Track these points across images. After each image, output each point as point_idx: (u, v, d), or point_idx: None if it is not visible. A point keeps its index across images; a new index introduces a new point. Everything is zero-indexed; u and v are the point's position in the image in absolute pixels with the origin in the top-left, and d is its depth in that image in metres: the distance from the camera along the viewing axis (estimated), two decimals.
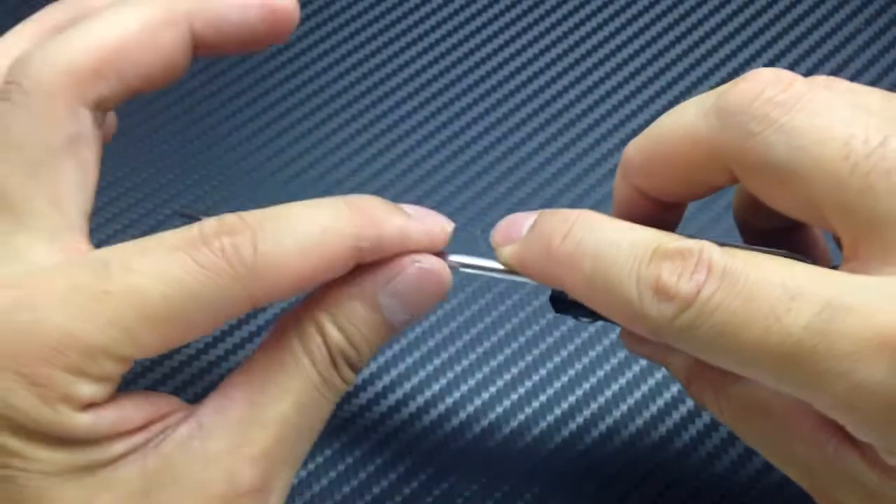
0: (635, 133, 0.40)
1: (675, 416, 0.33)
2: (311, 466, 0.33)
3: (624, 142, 0.40)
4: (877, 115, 0.21)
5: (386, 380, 0.34)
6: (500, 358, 0.35)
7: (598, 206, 0.38)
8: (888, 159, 0.20)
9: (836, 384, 0.19)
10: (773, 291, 0.20)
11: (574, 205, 0.38)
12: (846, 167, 0.20)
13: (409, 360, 0.35)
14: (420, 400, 0.34)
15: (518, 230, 0.24)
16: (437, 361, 0.35)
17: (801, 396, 0.20)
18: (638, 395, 0.34)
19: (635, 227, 0.22)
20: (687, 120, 0.23)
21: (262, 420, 0.23)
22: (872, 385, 0.18)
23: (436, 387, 0.34)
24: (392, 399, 0.34)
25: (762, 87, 0.22)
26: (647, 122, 0.40)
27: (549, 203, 0.38)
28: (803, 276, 0.20)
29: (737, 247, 0.21)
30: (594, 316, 0.25)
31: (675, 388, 0.34)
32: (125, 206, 0.38)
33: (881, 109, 0.21)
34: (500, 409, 0.34)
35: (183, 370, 0.35)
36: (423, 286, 0.24)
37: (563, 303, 0.26)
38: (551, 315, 0.35)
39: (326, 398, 0.24)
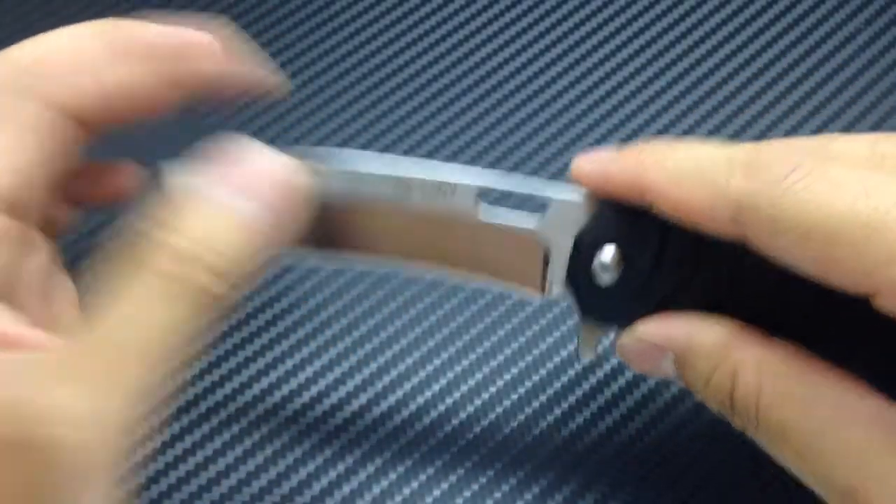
0: (635, 133, 0.40)
1: (676, 414, 0.33)
2: (311, 467, 0.33)
3: (624, 142, 0.40)
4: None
5: (386, 380, 0.34)
6: (500, 358, 0.35)
7: None
8: None
9: None
10: (856, 183, 0.21)
11: None
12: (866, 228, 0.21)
13: (409, 361, 0.35)
14: (420, 400, 0.34)
15: (602, 155, 0.26)
16: (436, 362, 0.35)
17: (874, 275, 0.21)
18: (638, 394, 0.34)
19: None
20: (712, 167, 0.24)
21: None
22: None
23: (435, 387, 0.34)
24: (392, 399, 0.34)
25: (794, 150, 0.24)
26: (647, 122, 0.40)
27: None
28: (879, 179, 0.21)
29: None
30: (618, 317, 0.25)
31: (674, 388, 0.34)
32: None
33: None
34: (500, 409, 0.34)
35: None
36: (273, 177, 0.24)
37: (591, 305, 0.26)
38: (551, 315, 0.35)
39: (195, 317, 0.22)
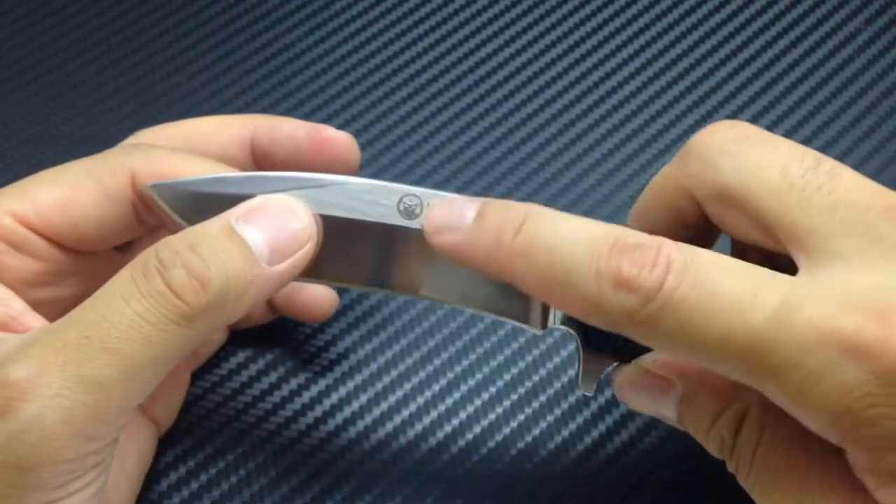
0: (635, 133, 0.40)
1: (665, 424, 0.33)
2: (301, 475, 0.33)
3: (624, 142, 0.40)
4: (810, 149, 0.23)
5: (384, 406, 0.34)
6: (486, 370, 0.34)
7: (597, 206, 0.38)
8: (820, 178, 0.22)
9: (791, 374, 0.20)
10: (736, 286, 0.21)
11: (573, 205, 0.38)
12: (784, 185, 0.22)
13: (395, 373, 0.35)
14: (419, 427, 0.34)
15: (459, 218, 0.24)
16: (422, 374, 0.34)
17: (758, 387, 0.21)
18: (623, 407, 0.34)
19: (590, 222, 0.23)
20: (665, 168, 0.26)
21: (75, 320, 0.23)
22: (819, 372, 0.20)
23: (420, 400, 0.34)
24: (390, 426, 0.34)
25: (719, 129, 0.24)
26: (647, 122, 0.40)
27: (549, 204, 0.38)
28: (763, 274, 0.21)
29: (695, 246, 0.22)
30: (620, 350, 0.26)
31: None
32: None
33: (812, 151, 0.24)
34: (485, 423, 0.34)
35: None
36: (275, 214, 0.25)
37: (595, 345, 0.26)
38: (551, 339, 0.35)
39: (147, 321, 0.23)
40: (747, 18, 0.43)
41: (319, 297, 0.32)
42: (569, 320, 0.27)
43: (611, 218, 0.38)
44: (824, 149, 0.39)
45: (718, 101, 0.41)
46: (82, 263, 0.28)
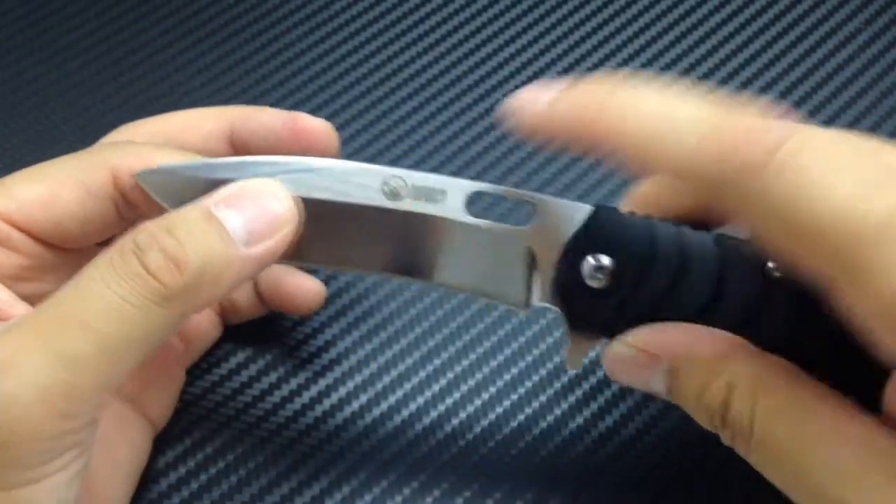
0: None
1: (673, 417, 0.33)
2: (309, 469, 0.33)
3: None
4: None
5: (378, 386, 0.34)
6: (493, 364, 0.34)
7: None
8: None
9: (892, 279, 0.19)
10: (866, 166, 0.19)
11: None
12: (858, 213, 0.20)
13: (402, 367, 0.35)
14: (412, 406, 0.34)
15: (544, 97, 0.23)
16: (422, 373, 0.34)
17: (850, 287, 0.20)
18: (630, 400, 0.34)
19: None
20: (687, 131, 0.22)
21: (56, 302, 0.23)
22: None
23: (427, 393, 0.34)
24: (384, 405, 0.34)
25: (766, 127, 0.21)
26: None
27: None
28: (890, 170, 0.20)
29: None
30: (610, 330, 0.25)
31: None
32: None
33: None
34: (492, 416, 0.34)
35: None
36: (254, 197, 0.25)
37: (581, 319, 0.26)
38: (544, 321, 0.35)
39: (126, 300, 0.23)
40: (747, 18, 0.43)
41: (305, 288, 0.31)
42: (552, 298, 0.26)
43: None
44: None
45: None
46: (65, 259, 0.28)
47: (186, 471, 0.33)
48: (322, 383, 0.34)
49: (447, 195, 0.26)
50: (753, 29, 0.42)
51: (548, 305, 0.26)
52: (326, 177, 0.26)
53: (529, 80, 0.41)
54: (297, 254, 0.27)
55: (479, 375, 0.34)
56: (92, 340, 0.23)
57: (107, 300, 0.23)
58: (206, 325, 0.32)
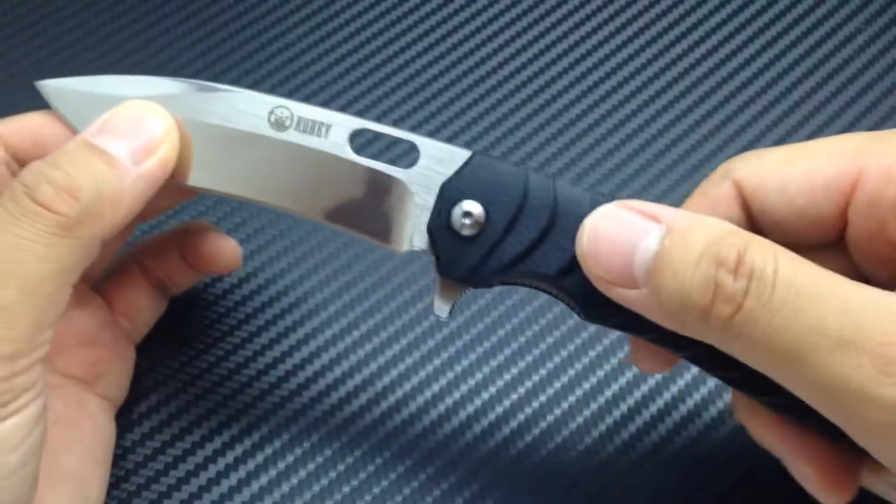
0: (635, 133, 0.40)
1: (675, 415, 0.33)
2: (311, 467, 0.33)
3: (623, 142, 0.40)
4: None
5: (386, 380, 0.34)
6: (500, 358, 0.35)
7: None
8: None
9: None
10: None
11: None
12: None
13: (409, 361, 0.35)
14: (420, 400, 0.34)
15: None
16: (436, 361, 0.35)
17: (858, 431, 0.21)
18: (637, 395, 0.34)
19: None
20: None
21: None
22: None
23: (435, 387, 0.34)
24: (392, 399, 0.34)
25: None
26: (647, 122, 0.40)
27: None
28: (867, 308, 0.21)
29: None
30: (475, 278, 0.26)
31: (674, 388, 0.34)
32: None
33: None
34: (499, 409, 0.34)
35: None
36: (130, 119, 0.26)
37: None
38: (551, 315, 0.35)
39: (28, 238, 0.24)
40: (747, 18, 0.43)
41: (220, 246, 0.32)
42: (426, 241, 0.26)
43: None
44: None
45: (718, 101, 0.41)
46: None
47: (187, 471, 0.33)
48: (322, 383, 0.34)
49: (331, 130, 0.27)
50: (753, 29, 0.42)
51: (422, 249, 0.27)
52: (216, 102, 0.27)
53: (529, 79, 0.41)
54: (189, 176, 0.27)
55: (479, 375, 0.34)
56: (11, 285, 0.23)
57: (13, 244, 0.24)
58: (143, 300, 0.33)
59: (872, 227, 0.24)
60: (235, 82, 0.41)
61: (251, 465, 0.33)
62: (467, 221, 0.25)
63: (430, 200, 0.26)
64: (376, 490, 0.32)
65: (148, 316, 0.33)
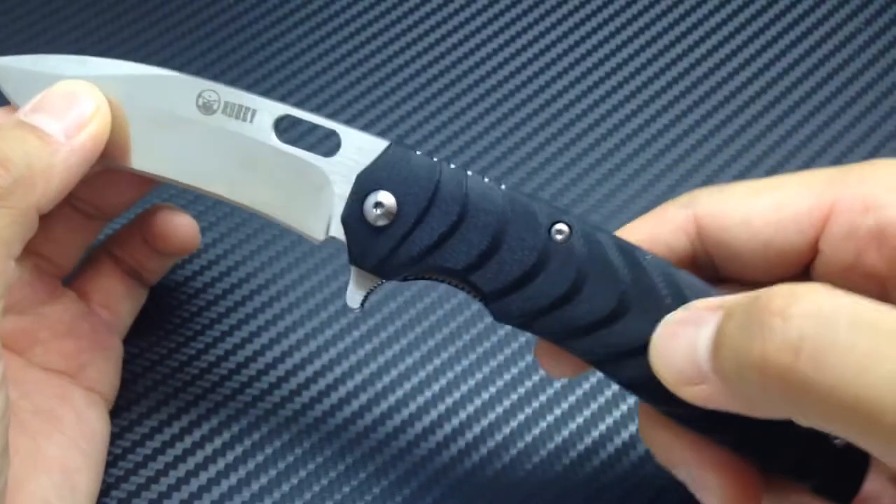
0: (635, 133, 0.40)
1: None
2: (311, 466, 0.33)
3: (623, 142, 0.40)
4: None
5: (378, 386, 0.34)
6: (493, 364, 0.35)
7: (597, 206, 0.38)
8: None
9: None
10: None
11: (573, 205, 0.38)
12: None
13: (402, 367, 0.35)
14: (412, 407, 0.34)
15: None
16: (429, 367, 0.35)
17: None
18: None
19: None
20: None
21: None
22: None
23: (427, 393, 0.34)
24: (384, 405, 0.34)
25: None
26: (647, 122, 0.40)
27: None
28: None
29: None
30: (386, 270, 0.26)
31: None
32: None
33: None
34: (492, 416, 0.34)
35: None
36: (61, 97, 0.27)
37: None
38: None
39: None
40: (747, 18, 0.43)
41: (177, 222, 0.32)
42: (343, 228, 0.26)
43: (609, 218, 0.38)
44: (824, 149, 0.39)
45: (718, 101, 0.41)
46: None
47: (186, 471, 0.33)
48: (322, 383, 0.34)
49: (256, 115, 0.27)
50: (753, 29, 0.42)
51: (336, 237, 0.27)
52: (149, 84, 0.28)
53: (529, 80, 0.41)
54: (129, 159, 0.28)
55: (478, 375, 0.34)
56: None
57: None
58: (118, 288, 0.33)
59: (847, 258, 0.24)
60: (235, 82, 0.41)
61: (251, 464, 0.33)
62: (379, 212, 0.25)
63: (347, 190, 0.26)
64: (376, 490, 0.32)
65: (127, 306, 0.34)
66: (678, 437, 0.25)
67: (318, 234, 0.27)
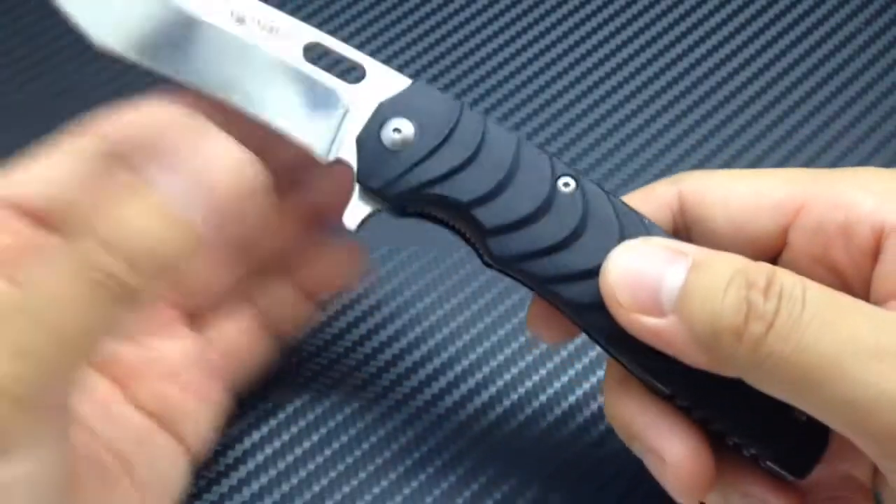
0: (635, 133, 0.40)
1: None
2: (310, 466, 0.33)
3: (624, 142, 0.40)
4: None
5: (379, 386, 0.34)
6: (494, 364, 0.35)
7: None
8: None
9: None
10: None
11: None
12: None
13: (402, 366, 0.35)
14: (422, 397, 0.34)
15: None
16: (444, 355, 0.35)
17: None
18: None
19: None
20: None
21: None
22: None
23: (443, 380, 0.34)
24: (384, 405, 0.34)
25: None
26: (647, 122, 0.40)
27: None
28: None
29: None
30: (391, 195, 0.26)
31: None
32: None
33: None
34: (499, 409, 0.34)
35: None
36: (200, 171, 0.24)
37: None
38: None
39: (94, 295, 0.22)
40: (747, 18, 0.43)
41: (342, 254, 0.31)
42: (353, 151, 0.27)
43: None
44: (824, 149, 0.39)
45: (718, 101, 0.41)
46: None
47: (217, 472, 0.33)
48: (322, 383, 0.34)
49: (287, 36, 0.28)
50: (753, 29, 0.42)
51: (344, 158, 0.27)
52: None
53: (529, 80, 0.41)
54: (146, 53, 0.28)
55: (481, 373, 0.34)
56: (44, 334, 0.22)
57: (60, 293, 0.22)
58: (247, 339, 0.31)
59: (815, 251, 0.25)
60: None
61: (251, 465, 0.33)
62: (396, 136, 0.26)
63: (366, 115, 0.27)
64: (376, 490, 0.32)
65: (250, 358, 0.31)
66: (641, 412, 0.26)
67: (325, 155, 0.27)
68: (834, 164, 0.39)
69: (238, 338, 0.31)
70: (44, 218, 0.26)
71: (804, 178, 0.26)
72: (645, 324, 0.23)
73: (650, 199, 0.27)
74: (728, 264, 0.23)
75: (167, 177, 0.24)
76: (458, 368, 0.34)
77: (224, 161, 0.24)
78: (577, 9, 0.43)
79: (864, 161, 0.39)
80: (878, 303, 0.24)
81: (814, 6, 0.43)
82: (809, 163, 0.39)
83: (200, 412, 0.30)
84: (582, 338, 0.27)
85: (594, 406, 0.34)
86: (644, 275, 0.23)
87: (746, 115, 0.40)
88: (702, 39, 0.42)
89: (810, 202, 0.26)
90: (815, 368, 0.21)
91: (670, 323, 0.23)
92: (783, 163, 0.39)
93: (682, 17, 0.43)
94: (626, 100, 0.41)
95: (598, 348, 0.27)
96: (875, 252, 0.24)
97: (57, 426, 0.24)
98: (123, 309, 0.23)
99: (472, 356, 0.35)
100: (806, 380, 0.21)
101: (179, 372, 0.29)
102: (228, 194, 0.24)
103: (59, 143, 0.27)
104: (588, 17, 0.43)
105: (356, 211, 0.27)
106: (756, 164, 0.39)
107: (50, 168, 0.26)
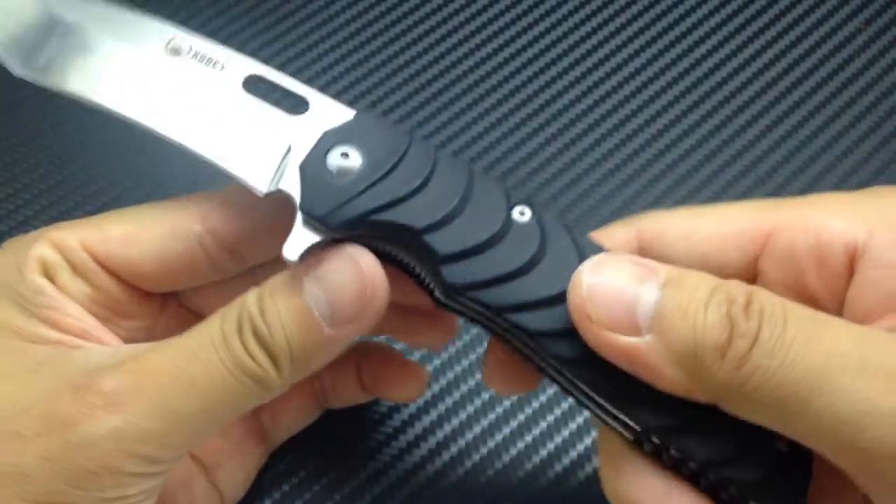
0: (635, 133, 0.40)
1: None
2: (307, 496, 0.33)
3: (624, 142, 0.40)
4: None
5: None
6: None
7: (597, 207, 0.38)
8: None
9: None
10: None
11: (573, 205, 0.38)
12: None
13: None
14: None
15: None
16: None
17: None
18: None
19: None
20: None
21: (155, 356, 0.24)
22: None
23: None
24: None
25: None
26: (647, 122, 0.40)
27: (548, 203, 0.38)
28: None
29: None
30: (333, 223, 0.25)
31: None
32: None
33: None
34: (491, 444, 0.33)
35: None
36: (345, 276, 0.24)
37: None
38: None
39: (230, 372, 0.23)
40: (747, 18, 0.43)
41: (410, 374, 0.31)
42: (296, 179, 0.26)
43: (609, 218, 0.38)
44: (825, 149, 0.39)
45: (718, 101, 0.41)
46: (144, 309, 0.28)
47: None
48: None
49: (226, 68, 0.27)
50: (753, 29, 0.42)
51: (285, 189, 0.26)
52: (122, 22, 0.27)
53: (529, 80, 0.41)
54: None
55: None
56: (196, 401, 0.23)
57: (215, 364, 0.23)
58: (295, 403, 0.31)
59: (789, 278, 0.25)
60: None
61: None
62: (343, 162, 0.25)
63: (310, 144, 0.26)
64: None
65: (294, 422, 0.32)
66: (646, 487, 0.24)
67: (263, 187, 0.26)
68: (834, 164, 0.39)
69: (289, 401, 0.31)
70: (122, 277, 0.27)
71: (768, 207, 0.26)
72: (618, 343, 0.22)
73: (607, 240, 0.26)
74: (704, 281, 0.22)
75: (312, 283, 0.24)
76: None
77: (361, 272, 0.25)
78: (576, 9, 0.43)
79: (864, 161, 0.39)
80: (856, 322, 0.23)
81: (814, 6, 0.43)
82: (809, 163, 0.39)
83: (238, 464, 0.30)
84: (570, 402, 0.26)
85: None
86: (618, 290, 0.22)
87: (746, 115, 0.40)
88: (702, 40, 0.42)
89: (778, 229, 0.25)
90: (802, 383, 0.20)
91: (646, 342, 0.22)
92: (783, 162, 0.39)
93: (682, 18, 0.43)
94: (626, 100, 0.41)
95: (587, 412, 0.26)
96: (849, 272, 0.24)
97: (159, 487, 0.25)
98: (257, 398, 0.24)
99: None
100: (793, 397, 0.20)
101: (225, 426, 0.28)
102: (361, 305, 0.24)
103: None
104: (587, 18, 0.43)
105: (298, 240, 0.25)
106: (756, 164, 0.39)
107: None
